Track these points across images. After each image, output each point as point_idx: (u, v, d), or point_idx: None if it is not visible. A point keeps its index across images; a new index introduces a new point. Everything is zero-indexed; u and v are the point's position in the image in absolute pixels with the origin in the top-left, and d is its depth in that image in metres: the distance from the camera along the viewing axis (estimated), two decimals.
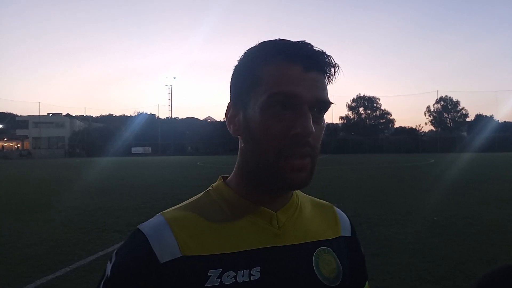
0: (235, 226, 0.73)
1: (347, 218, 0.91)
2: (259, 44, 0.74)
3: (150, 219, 0.73)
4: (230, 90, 0.77)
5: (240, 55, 0.75)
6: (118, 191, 13.60)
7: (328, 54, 0.71)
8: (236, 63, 0.76)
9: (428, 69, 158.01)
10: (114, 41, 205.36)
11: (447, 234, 6.61)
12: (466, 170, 21.00)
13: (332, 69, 0.71)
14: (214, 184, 0.81)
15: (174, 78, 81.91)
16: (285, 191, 0.76)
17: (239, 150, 0.76)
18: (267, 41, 0.73)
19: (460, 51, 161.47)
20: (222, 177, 0.82)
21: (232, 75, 0.76)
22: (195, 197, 0.79)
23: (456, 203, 9.88)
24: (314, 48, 0.70)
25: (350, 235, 0.88)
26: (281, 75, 0.68)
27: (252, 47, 0.74)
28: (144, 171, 24.60)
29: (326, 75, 0.71)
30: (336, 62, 0.71)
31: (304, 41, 0.71)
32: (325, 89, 0.71)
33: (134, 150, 68.14)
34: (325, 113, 0.73)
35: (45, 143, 74.08)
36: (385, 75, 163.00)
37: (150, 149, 69.75)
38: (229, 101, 0.77)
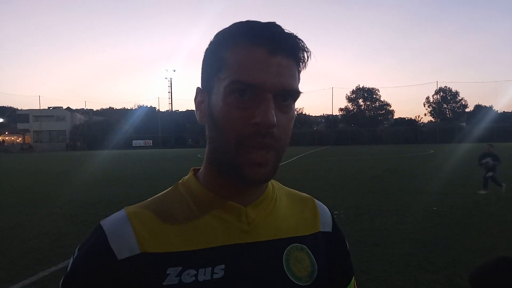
0: (200, 222, 0.69)
1: (328, 213, 0.84)
2: (229, 25, 0.68)
3: (114, 214, 0.70)
4: (200, 74, 0.72)
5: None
6: (119, 183, 13.65)
7: (298, 37, 0.65)
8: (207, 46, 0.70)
9: (428, 60, 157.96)
10: (114, 34, 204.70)
11: (447, 224, 6.65)
12: (465, 160, 20.96)
13: (302, 54, 0.65)
14: (185, 177, 0.76)
15: (174, 71, 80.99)
16: (245, 186, 0.70)
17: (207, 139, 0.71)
18: (237, 22, 0.67)
19: (459, 41, 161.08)
20: (193, 169, 0.77)
21: (203, 58, 0.71)
22: (163, 192, 0.75)
23: (455, 193, 9.92)
24: (282, 30, 0.64)
25: (330, 230, 0.82)
26: (244, 59, 0.63)
27: (221, 29, 0.69)
28: (145, 164, 24.64)
29: (296, 61, 0.65)
30: (307, 46, 0.65)
31: (274, 22, 0.65)
32: (293, 76, 0.65)
33: (135, 143, 68.10)
34: (294, 102, 0.67)
35: (46, 137, 73.98)
36: (384, 66, 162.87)
37: (150, 141, 69.63)
38: (198, 86, 0.72)
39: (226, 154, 0.65)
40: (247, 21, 0.67)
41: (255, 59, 0.62)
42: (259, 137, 0.62)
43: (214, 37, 0.69)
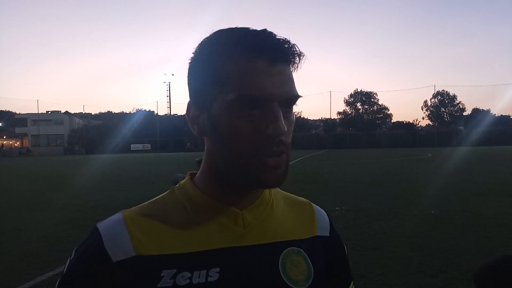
0: (196, 225, 0.69)
1: (326, 217, 0.85)
2: (215, 33, 0.67)
3: (110, 217, 0.71)
4: (189, 87, 0.70)
5: (195, 47, 0.69)
6: (117, 187, 13.62)
7: (291, 42, 0.65)
8: (192, 55, 0.69)
9: (425, 64, 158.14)
10: (113, 38, 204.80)
11: (445, 228, 6.65)
12: (463, 164, 21.05)
13: (298, 58, 0.66)
14: (182, 181, 0.77)
15: (173, 75, 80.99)
16: (258, 189, 0.73)
17: (205, 149, 0.72)
18: (224, 30, 0.67)
19: (457, 45, 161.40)
20: (190, 173, 0.78)
21: (189, 70, 0.69)
22: (160, 196, 0.76)
23: (453, 196, 9.92)
24: (275, 37, 0.64)
25: (328, 235, 0.82)
26: (246, 72, 0.62)
27: (207, 38, 0.68)
28: (144, 168, 24.57)
29: (292, 65, 0.66)
30: (300, 50, 0.66)
31: (265, 30, 0.65)
32: (293, 82, 0.66)
33: (133, 147, 68.03)
34: (293, 106, 0.68)
35: (44, 141, 73.78)
36: (382, 70, 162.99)
37: (149, 145, 69.58)
38: (188, 99, 0.71)
39: (238, 165, 0.65)
40: (237, 29, 0.66)
41: (257, 71, 0.62)
42: (273, 146, 0.63)
43: (200, 48, 0.68)
